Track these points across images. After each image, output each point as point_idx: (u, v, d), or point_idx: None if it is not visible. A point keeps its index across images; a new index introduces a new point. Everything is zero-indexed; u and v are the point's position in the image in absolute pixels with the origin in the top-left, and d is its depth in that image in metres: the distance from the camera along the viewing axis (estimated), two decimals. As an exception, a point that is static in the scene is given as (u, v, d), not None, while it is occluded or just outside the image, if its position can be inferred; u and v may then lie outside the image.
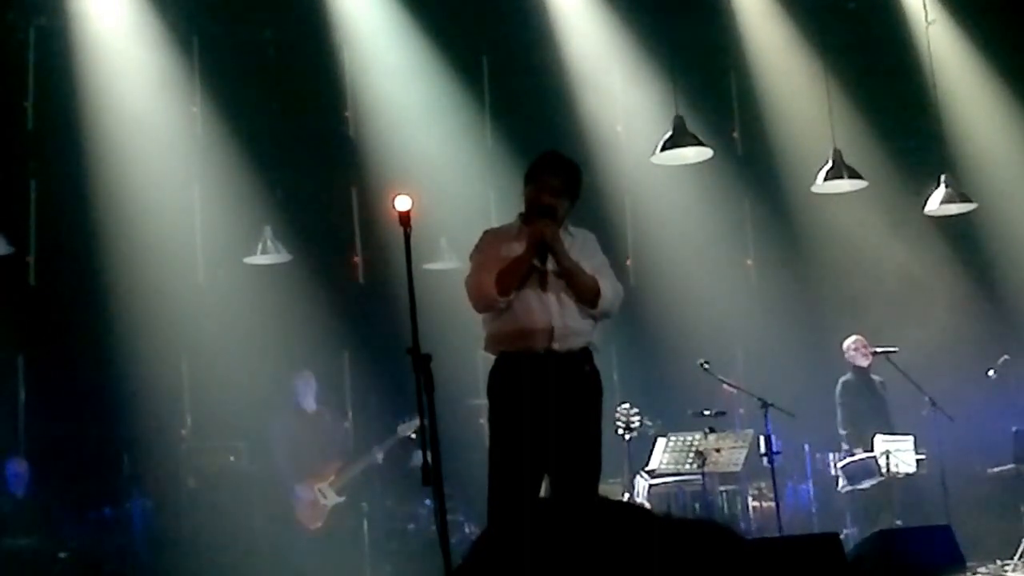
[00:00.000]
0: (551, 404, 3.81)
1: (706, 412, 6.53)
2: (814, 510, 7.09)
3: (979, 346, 7.86)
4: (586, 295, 3.90)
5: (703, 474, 6.34)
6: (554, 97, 8.33)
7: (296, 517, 6.82)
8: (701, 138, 6.39)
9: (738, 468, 6.45)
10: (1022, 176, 8.33)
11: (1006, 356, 7.42)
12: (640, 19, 8.16)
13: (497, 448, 3.89)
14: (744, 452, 6.36)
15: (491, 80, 8.53)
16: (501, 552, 0.98)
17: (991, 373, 7.34)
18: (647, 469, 6.54)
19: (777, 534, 5.86)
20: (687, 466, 6.38)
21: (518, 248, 3.86)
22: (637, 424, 6.00)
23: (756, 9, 8.50)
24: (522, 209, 3.99)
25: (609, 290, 3.93)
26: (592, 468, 3.89)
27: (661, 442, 6.52)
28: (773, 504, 6.21)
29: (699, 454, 6.31)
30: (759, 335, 8.32)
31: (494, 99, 8.54)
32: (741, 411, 7.22)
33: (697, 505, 6.45)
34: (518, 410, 3.81)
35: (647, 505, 6.14)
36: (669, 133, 6.28)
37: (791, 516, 6.82)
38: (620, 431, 5.93)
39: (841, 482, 6.96)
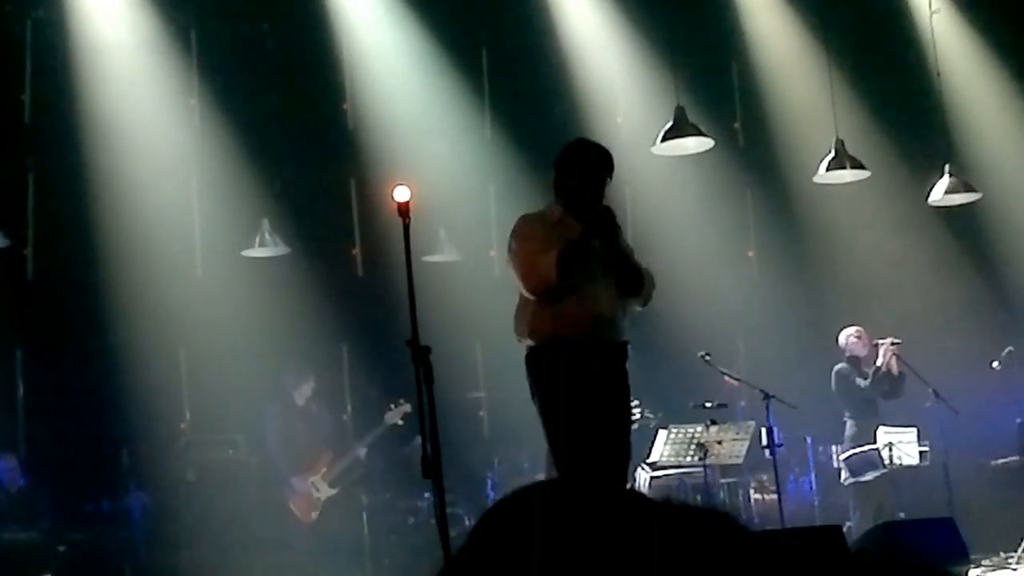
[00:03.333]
0: (607, 395, 3.79)
1: (707, 404, 6.50)
2: (816, 502, 7.06)
3: (983, 337, 7.81)
4: (636, 282, 3.89)
5: (705, 466, 6.32)
6: (554, 88, 8.28)
7: (290, 509, 6.80)
8: (702, 128, 6.35)
9: (740, 460, 6.42)
10: (1027, 165, 8.28)
11: (1010, 348, 7.36)
12: (641, 8, 8.10)
13: (562, 435, 3.78)
14: (746, 444, 6.33)
15: (490, 71, 8.48)
16: (501, 537, 0.95)
17: (995, 365, 7.29)
18: (648, 461, 6.51)
19: (779, 527, 5.82)
20: (689, 458, 6.36)
21: (561, 236, 3.79)
22: (638, 416, 5.98)
23: (758, -2, 8.44)
24: (546, 197, 3.99)
25: (649, 278, 3.93)
26: (628, 462, 3.96)
27: (662, 434, 6.50)
28: (775, 496, 6.19)
29: (701, 446, 6.28)
30: (760, 327, 8.28)
31: (493, 90, 8.49)
32: (743, 403, 7.18)
33: (699, 498, 6.42)
34: (586, 399, 3.76)
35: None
36: (670, 123, 6.25)
37: (793, 508, 6.79)
38: (621, 423, 5.90)
39: (844, 474, 6.92)
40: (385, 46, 8.08)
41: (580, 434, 3.75)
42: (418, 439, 3.63)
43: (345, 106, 8.26)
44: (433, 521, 5.92)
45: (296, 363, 7.16)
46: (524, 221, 3.97)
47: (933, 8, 7.59)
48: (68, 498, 6.62)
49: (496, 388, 7.92)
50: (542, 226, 3.90)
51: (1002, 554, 6.43)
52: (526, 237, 3.88)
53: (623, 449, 3.87)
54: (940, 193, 6.98)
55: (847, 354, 7.11)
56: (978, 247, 8.36)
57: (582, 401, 3.76)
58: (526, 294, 3.86)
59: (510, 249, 3.93)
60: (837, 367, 7.10)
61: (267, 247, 7.26)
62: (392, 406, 6.83)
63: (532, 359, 3.89)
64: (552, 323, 3.82)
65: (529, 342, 3.90)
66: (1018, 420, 7.06)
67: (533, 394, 3.91)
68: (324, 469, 6.92)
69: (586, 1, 8.29)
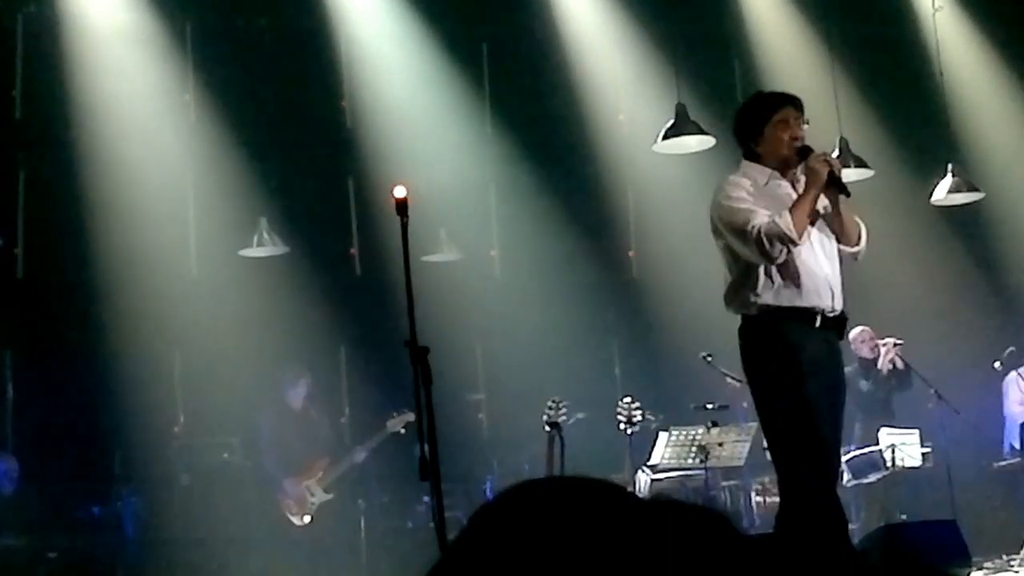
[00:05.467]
0: (829, 378, 3.67)
1: (709, 406, 6.45)
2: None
3: (985, 337, 7.77)
4: (855, 232, 3.74)
5: (706, 469, 6.27)
6: (555, 85, 8.21)
7: (283, 513, 6.71)
8: (704, 126, 6.30)
9: (741, 462, 6.36)
10: (1030, 165, 8.23)
11: (1012, 348, 7.33)
12: (642, 5, 8.04)
13: (784, 416, 3.62)
14: (747, 446, 6.28)
15: (491, 68, 8.41)
16: (495, 534, 0.91)
17: (997, 365, 7.25)
18: (649, 464, 6.45)
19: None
20: (689, 461, 6.30)
21: (772, 197, 3.61)
22: (639, 418, 5.92)
23: (760, -5, 8.38)
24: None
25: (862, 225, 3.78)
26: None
27: (663, 436, 6.44)
28: (777, 499, 6.11)
29: (702, 448, 6.23)
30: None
31: (494, 87, 8.41)
32: (744, 405, 7.08)
33: (699, 500, 6.35)
34: (809, 378, 3.59)
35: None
36: (671, 121, 6.20)
37: (796, 511, 6.71)
38: (622, 425, 5.86)
39: (846, 476, 6.87)
40: (384, 42, 8.00)
41: (806, 417, 3.57)
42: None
43: (343, 103, 8.18)
44: (431, 525, 5.84)
45: (292, 364, 7.07)
46: (734, 185, 3.69)
47: (936, 6, 7.54)
48: (59, 503, 6.52)
49: (496, 390, 7.85)
50: (748, 190, 3.67)
51: (1004, 556, 6.38)
52: (743, 199, 3.64)
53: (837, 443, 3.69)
54: (943, 192, 6.94)
55: (857, 355, 7.12)
56: (980, 247, 8.33)
57: (807, 379, 3.57)
58: (754, 259, 3.61)
59: (721, 215, 3.67)
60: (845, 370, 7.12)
61: (265, 246, 7.18)
62: (395, 413, 6.72)
63: (749, 331, 3.67)
64: (780, 291, 3.63)
65: (748, 311, 3.67)
66: (1021, 421, 7.00)
67: (748, 372, 3.72)
68: (320, 474, 6.83)
69: (588, -4, 8.23)
